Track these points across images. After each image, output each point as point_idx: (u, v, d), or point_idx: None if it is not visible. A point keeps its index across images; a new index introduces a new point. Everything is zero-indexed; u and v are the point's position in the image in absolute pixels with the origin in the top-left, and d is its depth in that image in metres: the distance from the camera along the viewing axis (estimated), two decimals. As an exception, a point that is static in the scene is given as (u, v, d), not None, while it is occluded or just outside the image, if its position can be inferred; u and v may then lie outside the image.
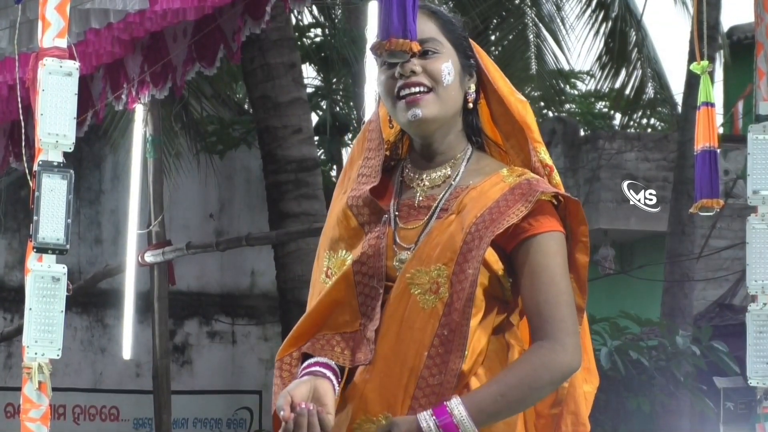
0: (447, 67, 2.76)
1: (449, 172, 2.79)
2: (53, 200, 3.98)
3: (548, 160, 2.81)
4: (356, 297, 2.72)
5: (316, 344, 2.73)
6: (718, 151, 4.33)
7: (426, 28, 2.77)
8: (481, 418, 2.59)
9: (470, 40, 2.86)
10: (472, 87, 2.82)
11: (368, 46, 2.85)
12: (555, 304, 2.66)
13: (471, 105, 2.82)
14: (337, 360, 2.71)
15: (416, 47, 2.69)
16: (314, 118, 15.03)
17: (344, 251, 2.79)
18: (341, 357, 2.71)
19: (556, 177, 2.81)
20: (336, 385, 2.67)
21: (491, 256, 2.67)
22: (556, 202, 2.73)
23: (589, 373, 2.84)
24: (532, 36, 14.83)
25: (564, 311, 2.66)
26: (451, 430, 2.58)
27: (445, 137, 2.79)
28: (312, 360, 2.72)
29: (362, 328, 2.70)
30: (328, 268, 2.81)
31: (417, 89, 2.74)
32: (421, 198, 2.78)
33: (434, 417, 2.59)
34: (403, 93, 2.75)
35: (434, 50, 2.76)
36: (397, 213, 2.78)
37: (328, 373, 2.68)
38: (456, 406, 2.59)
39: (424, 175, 2.80)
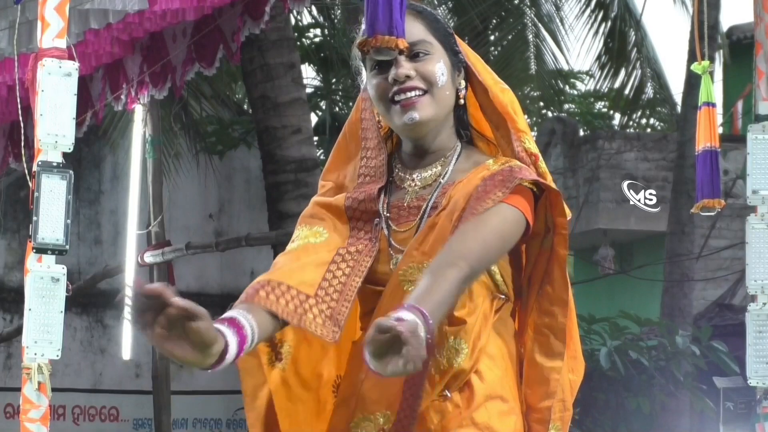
0: (440, 67, 2.75)
1: (439, 171, 2.78)
2: (53, 201, 3.98)
3: (533, 148, 2.80)
4: (324, 273, 2.64)
5: (267, 289, 2.55)
6: (719, 150, 4.33)
7: (414, 30, 2.76)
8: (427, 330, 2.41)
9: (454, 34, 2.86)
10: (462, 83, 2.81)
11: (355, 43, 2.83)
12: (482, 240, 2.58)
13: (462, 101, 2.81)
14: (281, 312, 2.53)
15: (402, 44, 2.68)
16: (314, 119, 15.06)
17: (321, 228, 2.76)
18: (313, 324, 2.57)
19: (543, 165, 2.79)
20: (233, 337, 2.36)
21: None
22: (536, 190, 2.72)
23: (575, 361, 2.83)
24: (531, 36, 14.82)
25: (479, 250, 2.58)
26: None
27: (437, 136, 2.79)
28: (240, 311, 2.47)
29: (319, 299, 2.60)
30: (298, 237, 2.75)
31: (412, 93, 2.72)
32: (411, 199, 2.77)
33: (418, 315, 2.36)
34: (397, 98, 2.73)
35: (425, 52, 2.75)
36: (388, 215, 2.77)
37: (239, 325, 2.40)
38: (410, 316, 2.35)
39: (415, 175, 2.79)
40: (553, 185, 2.72)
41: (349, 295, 2.66)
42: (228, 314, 2.42)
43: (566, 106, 19.99)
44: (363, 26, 2.81)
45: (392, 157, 2.86)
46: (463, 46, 2.86)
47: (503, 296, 2.74)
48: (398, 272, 2.67)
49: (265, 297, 2.54)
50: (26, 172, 4.18)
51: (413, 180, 2.79)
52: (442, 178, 2.76)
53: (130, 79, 7.17)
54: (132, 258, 10.31)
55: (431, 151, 2.79)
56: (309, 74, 17.02)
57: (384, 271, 2.71)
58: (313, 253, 2.70)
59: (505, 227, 2.64)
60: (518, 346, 2.79)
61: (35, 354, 3.96)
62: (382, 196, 2.79)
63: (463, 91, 2.81)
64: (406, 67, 2.73)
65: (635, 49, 14.94)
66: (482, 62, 2.87)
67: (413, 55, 2.74)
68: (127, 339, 10.71)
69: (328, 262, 2.68)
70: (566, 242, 2.73)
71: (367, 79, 2.81)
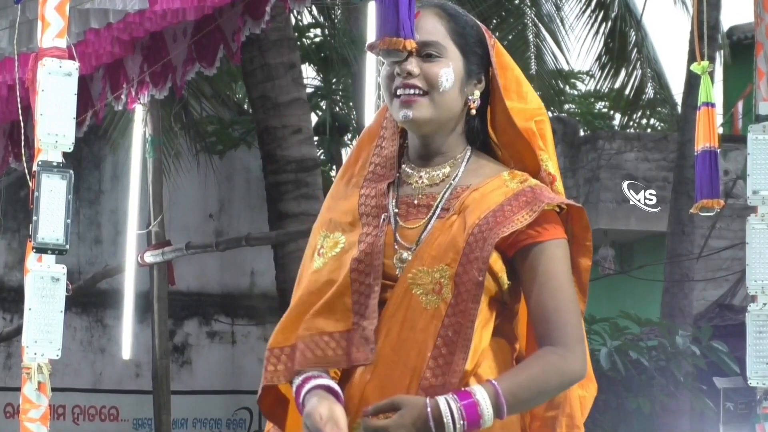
0: (446, 72, 2.72)
1: (448, 171, 2.77)
2: (53, 200, 3.97)
3: (551, 169, 2.79)
4: (350, 296, 2.70)
5: (307, 352, 2.69)
6: (719, 151, 4.32)
7: (433, 29, 2.74)
8: (494, 410, 2.57)
9: (494, 44, 2.81)
10: (476, 93, 2.78)
11: (366, 45, 2.82)
12: (564, 311, 2.65)
13: (474, 112, 2.79)
14: (332, 363, 2.67)
15: (410, 45, 2.67)
16: (314, 119, 15.05)
17: (340, 234, 2.77)
18: (335, 359, 2.67)
19: (559, 186, 2.79)
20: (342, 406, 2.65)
21: (492, 258, 2.66)
22: (559, 210, 2.73)
23: (586, 378, 2.83)
24: (531, 36, 14.83)
25: (572, 318, 2.66)
26: (473, 415, 2.55)
27: (444, 139, 2.78)
28: (309, 374, 2.68)
29: (357, 328, 2.68)
30: (321, 247, 2.78)
31: (411, 91, 2.72)
32: (420, 196, 2.77)
33: (457, 400, 2.54)
34: (399, 92, 2.73)
35: (436, 54, 2.73)
36: (396, 210, 2.77)
37: (337, 392, 2.66)
38: (479, 391, 2.57)
39: (423, 173, 2.78)
40: (576, 203, 2.74)
41: (375, 307, 2.68)
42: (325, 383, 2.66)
43: (566, 106, 19.99)
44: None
45: (403, 154, 2.85)
46: (502, 59, 2.81)
47: (505, 303, 2.74)
48: (407, 276, 2.68)
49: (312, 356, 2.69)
50: (26, 171, 4.18)
51: (420, 177, 2.78)
52: (453, 180, 2.76)
53: (131, 78, 7.16)
54: (132, 258, 10.31)
55: (438, 153, 2.78)
56: (309, 74, 17.01)
57: (387, 265, 2.71)
58: (336, 278, 2.72)
59: (567, 269, 2.70)
60: (522, 353, 2.79)
61: (35, 354, 3.95)
62: (391, 190, 2.79)
63: (475, 102, 2.78)
64: (413, 63, 2.72)
65: (635, 49, 14.94)
66: (519, 81, 2.82)
67: (425, 54, 2.73)
68: (127, 339, 10.70)
69: (349, 285, 2.70)
70: (590, 253, 2.75)
71: (381, 71, 2.81)
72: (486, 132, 2.85)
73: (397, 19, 2.66)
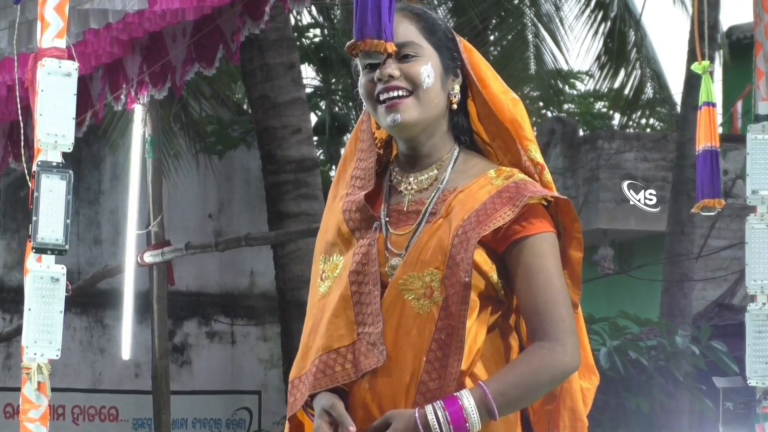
0: (426, 69, 2.74)
1: (436, 174, 2.78)
2: (52, 201, 3.97)
3: (539, 158, 2.80)
4: (352, 308, 2.72)
5: (318, 374, 2.72)
6: (719, 150, 4.33)
7: (405, 31, 2.76)
8: (484, 412, 2.60)
9: (459, 39, 2.85)
10: (456, 88, 2.80)
11: (345, 47, 2.84)
12: (553, 303, 2.66)
13: (455, 106, 2.81)
14: (341, 379, 2.70)
15: (391, 48, 2.68)
16: (313, 119, 15.07)
17: (338, 255, 2.79)
18: (343, 374, 2.70)
19: (548, 175, 2.80)
20: None
21: (480, 257, 2.67)
22: (545, 203, 2.73)
23: (587, 369, 2.84)
24: (531, 36, 14.82)
25: (562, 311, 2.67)
26: (459, 421, 2.58)
27: (430, 139, 2.79)
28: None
29: (361, 336, 2.69)
30: (323, 272, 2.81)
31: (396, 93, 2.73)
32: (409, 203, 2.77)
33: (444, 408, 2.59)
34: (382, 97, 2.74)
35: (413, 54, 2.75)
36: (387, 219, 2.78)
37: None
38: (466, 396, 2.60)
39: (411, 178, 2.79)
40: (561, 195, 2.74)
41: (377, 311, 2.69)
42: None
43: (566, 106, 20.00)
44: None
45: (392, 162, 2.87)
46: (471, 53, 2.84)
47: (501, 300, 2.74)
48: (398, 281, 2.69)
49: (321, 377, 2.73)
50: (26, 172, 4.17)
51: (410, 183, 2.80)
52: (441, 183, 2.77)
53: (130, 79, 7.16)
54: (132, 258, 10.30)
55: (425, 155, 2.79)
56: (309, 74, 17.04)
57: (382, 273, 2.73)
58: (336, 293, 2.75)
59: (555, 262, 2.70)
60: (518, 349, 2.79)
61: (35, 354, 3.95)
62: (383, 203, 2.80)
63: (456, 97, 2.80)
64: (391, 67, 2.74)
65: (635, 49, 14.93)
66: (492, 71, 2.86)
67: (401, 57, 2.75)
68: (126, 339, 10.69)
69: (350, 297, 2.72)
70: (581, 245, 2.76)
71: (359, 80, 2.82)
72: (472, 128, 2.86)
73: (379, 22, 2.67)
